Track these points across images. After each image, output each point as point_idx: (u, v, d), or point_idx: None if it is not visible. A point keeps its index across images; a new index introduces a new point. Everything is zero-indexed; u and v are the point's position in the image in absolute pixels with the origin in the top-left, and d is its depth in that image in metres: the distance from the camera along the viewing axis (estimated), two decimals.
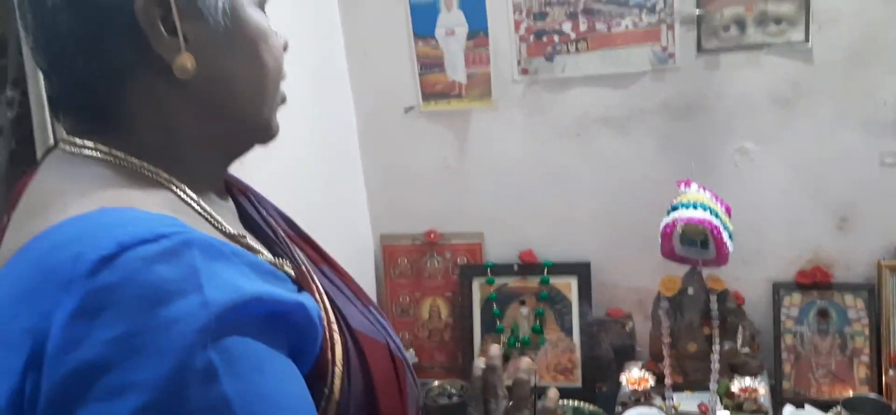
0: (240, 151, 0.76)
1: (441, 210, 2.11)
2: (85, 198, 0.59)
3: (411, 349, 2.14)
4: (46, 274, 0.53)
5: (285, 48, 0.75)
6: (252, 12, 0.69)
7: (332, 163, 2.01)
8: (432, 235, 2.11)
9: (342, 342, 0.70)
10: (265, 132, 0.75)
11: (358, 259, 2.12)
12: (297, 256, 0.75)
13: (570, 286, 2.00)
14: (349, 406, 0.68)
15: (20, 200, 0.67)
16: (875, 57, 1.70)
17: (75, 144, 0.66)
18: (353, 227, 2.12)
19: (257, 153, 0.78)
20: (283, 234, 0.79)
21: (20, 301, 0.53)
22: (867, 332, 1.80)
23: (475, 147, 2.04)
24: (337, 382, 0.67)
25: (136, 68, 0.65)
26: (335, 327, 0.70)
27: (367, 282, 2.15)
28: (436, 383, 2.02)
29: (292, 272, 0.68)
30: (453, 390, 2.01)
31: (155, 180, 0.65)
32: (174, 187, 0.66)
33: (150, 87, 0.65)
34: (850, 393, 1.76)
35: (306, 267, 0.74)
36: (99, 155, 0.65)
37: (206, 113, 0.69)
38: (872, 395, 1.68)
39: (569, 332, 1.99)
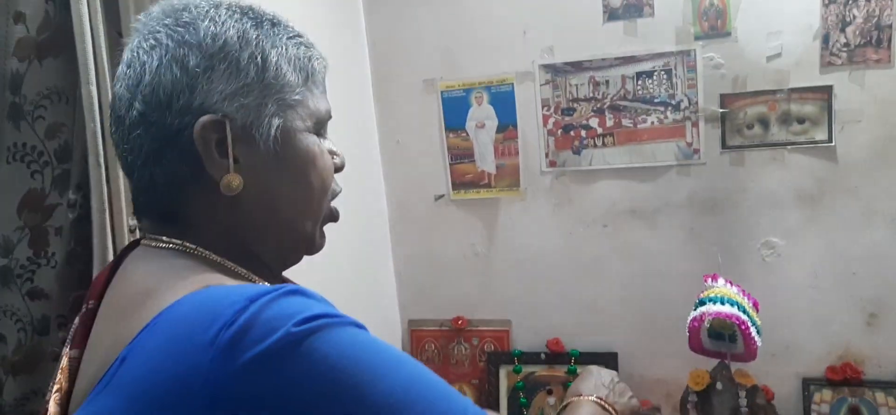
0: (288, 259, 0.81)
1: (469, 297, 2.14)
2: (186, 280, 0.67)
3: None
4: (186, 337, 0.60)
5: (341, 168, 0.82)
6: (303, 138, 0.76)
7: (363, 249, 2.06)
8: (460, 322, 2.14)
9: None
10: (309, 245, 0.81)
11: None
12: None
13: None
14: None
15: (108, 288, 0.74)
16: None
17: (158, 240, 0.73)
18: (382, 312, 2.16)
19: None
20: None
21: (165, 357, 0.60)
22: None
23: (504, 235, 2.08)
24: None
25: (193, 181, 0.72)
26: None
27: None
28: None
29: None
30: None
31: (232, 269, 0.73)
32: (243, 273, 0.73)
33: (207, 197, 0.73)
34: None
35: None
36: (178, 247, 0.72)
37: (254, 224, 0.75)
38: None
39: None
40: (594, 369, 1.21)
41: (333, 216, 0.83)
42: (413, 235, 2.17)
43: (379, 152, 2.14)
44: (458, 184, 2.08)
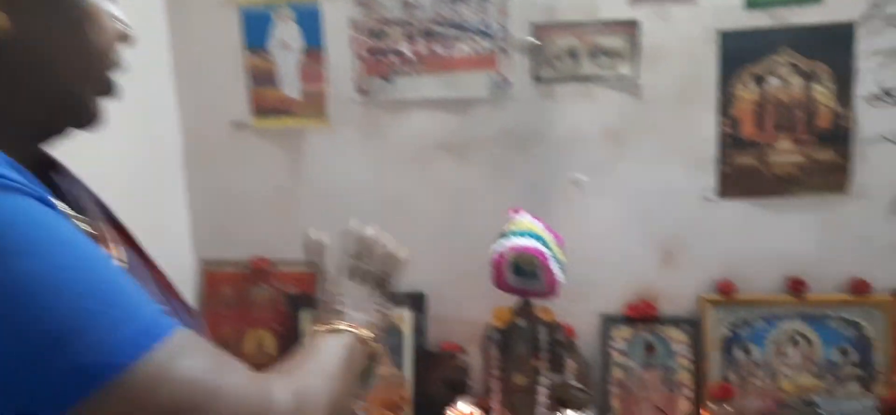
0: (53, 130, 0.73)
1: (271, 236, 1.98)
2: None
3: None
4: None
5: (124, 39, 0.75)
6: None
7: (150, 181, 1.83)
8: (260, 263, 1.97)
9: None
10: (83, 115, 0.73)
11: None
12: (99, 226, 0.73)
13: (403, 318, 1.92)
14: None
15: None
16: (697, 94, 1.76)
17: None
18: (169, 249, 1.94)
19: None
20: (92, 210, 0.76)
21: None
22: (690, 366, 1.82)
23: (310, 169, 1.94)
24: None
25: None
26: None
27: None
28: None
29: (93, 231, 0.69)
30: None
31: None
32: None
33: None
34: None
35: (106, 235, 0.73)
36: None
37: (17, 80, 0.67)
38: None
39: (401, 366, 1.90)
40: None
41: (111, 89, 0.75)
42: (209, 166, 1.97)
43: (171, 73, 1.92)
44: (260, 111, 1.91)
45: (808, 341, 1.79)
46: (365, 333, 0.91)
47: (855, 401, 1.78)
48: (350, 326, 0.90)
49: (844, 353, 1.78)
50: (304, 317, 1.94)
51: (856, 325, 1.78)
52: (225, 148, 1.94)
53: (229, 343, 1.98)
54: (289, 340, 1.93)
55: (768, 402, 1.81)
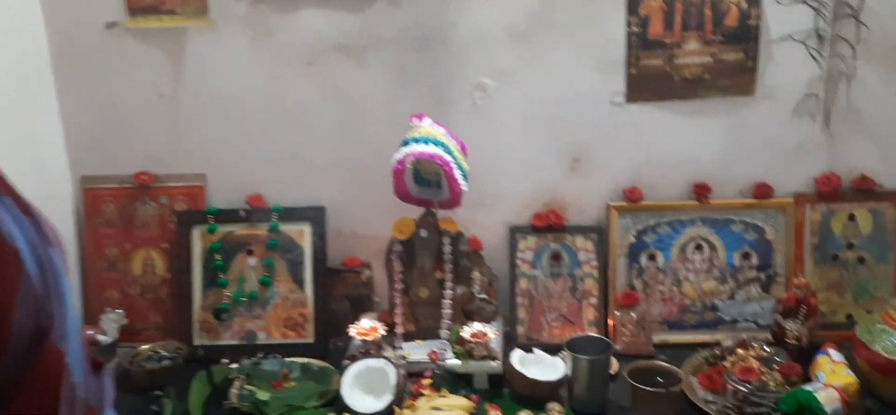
0: None
1: (155, 149, 1.83)
2: None
3: (120, 310, 1.83)
4: None
5: None
6: None
7: (17, 93, 1.64)
8: (145, 177, 1.82)
9: None
10: None
11: (50, 205, 1.77)
12: None
13: (302, 233, 1.82)
14: None
15: None
16: None
17: None
18: (45, 168, 1.77)
19: None
20: None
21: None
22: (596, 274, 1.80)
23: (194, 74, 1.78)
24: None
25: None
26: None
27: (64, 232, 1.81)
28: (144, 347, 1.76)
29: None
30: (165, 353, 1.76)
31: None
32: None
33: None
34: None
35: None
36: None
37: None
38: (594, 334, 1.68)
39: (301, 284, 1.81)
40: None
41: None
42: (83, 73, 1.78)
43: None
44: (135, 8, 1.73)
45: (712, 246, 1.79)
46: None
47: (755, 303, 1.79)
48: None
49: (746, 257, 1.79)
50: (197, 234, 1.82)
51: (758, 229, 1.78)
52: (98, 51, 1.76)
53: (116, 265, 1.85)
54: (180, 259, 1.81)
55: (671, 307, 1.80)
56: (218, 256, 1.80)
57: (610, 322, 1.78)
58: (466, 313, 1.72)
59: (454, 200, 1.62)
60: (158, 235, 1.85)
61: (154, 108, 1.80)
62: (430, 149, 1.53)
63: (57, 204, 1.80)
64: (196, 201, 1.84)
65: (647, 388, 1.46)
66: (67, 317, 0.69)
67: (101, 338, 1.77)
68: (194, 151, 1.83)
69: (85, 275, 1.85)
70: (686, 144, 1.77)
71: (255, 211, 1.82)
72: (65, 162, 1.83)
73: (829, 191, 1.75)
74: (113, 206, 1.84)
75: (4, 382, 0.59)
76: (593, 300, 1.80)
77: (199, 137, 1.82)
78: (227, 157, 1.83)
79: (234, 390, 1.56)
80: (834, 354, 1.56)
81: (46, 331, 0.64)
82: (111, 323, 1.81)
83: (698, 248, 1.79)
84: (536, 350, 1.64)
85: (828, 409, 1.41)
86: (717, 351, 1.64)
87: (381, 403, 1.50)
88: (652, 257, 1.80)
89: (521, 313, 1.81)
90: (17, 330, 0.59)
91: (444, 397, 1.53)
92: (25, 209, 0.70)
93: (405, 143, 1.56)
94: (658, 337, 1.78)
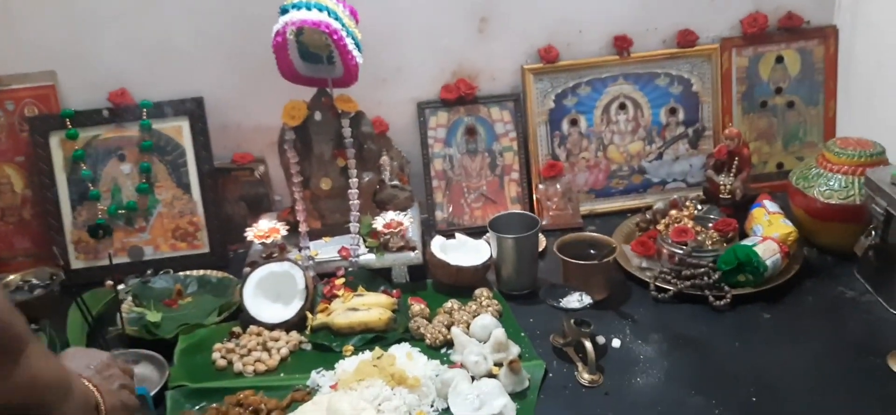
0: None
1: None
2: None
3: None
4: None
5: None
6: None
7: None
8: None
9: None
10: None
11: None
12: None
13: (180, 130, 1.58)
14: None
15: None
16: None
17: None
18: None
19: None
20: None
21: None
22: (516, 146, 1.65)
23: None
24: None
25: None
26: None
27: None
28: (12, 277, 1.52)
29: None
30: (38, 282, 1.52)
31: None
32: None
33: None
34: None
35: None
36: None
37: None
38: (519, 210, 1.54)
39: (187, 188, 1.59)
40: (85, 350, 1.01)
41: None
42: None
43: None
44: None
45: (636, 104, 1.66)
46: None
47: (684, 161, 1.69)
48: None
49: (672, 112, 1.67)
50: (55, 142, 1.55)
51: (683, 81, 1.65)
52: None
53: None
54: (39, 172, 1.55)
55: (597, 174, 1.68)
56: (84, 166, 1.55)
57: (534, 197, 1.65)
58: (378, 203, 1.55)
59: (349, 75, 1.41)
60: (10, 147, 1.58)
61: None
62: (314, 15, 1.31)
63: None
64: (48, 104, 1.57)
65: (579, 261, 1.34)
66: None
67: None
68: (39, 47, 1.54)
69: None
70: None
71: (120, 109, 1.57)
72: None
73: (756, 32, 1.64)
74: None
75: None
76: (515, 175, 1.66)
77: (43, 30, 1.53)
78: (79, 48, 1.55)
79: (120, 315, 1.35)
80: (769, 204, 1.48)
81: None
82: None
83: (622, 107, 1.66)
84: (458, 235, 1.49)
85: (768, 262, 1.33)
86: (648, 215, 1.54)
87: (291, 310, 1.33)
88: (574, 122, 1.66)
89: (439, 197, 1.65)
90: None
91: (361, 295, 1.37)
92: None
93: (283, 10, 1.34)
94: (585, 207, 1.66)
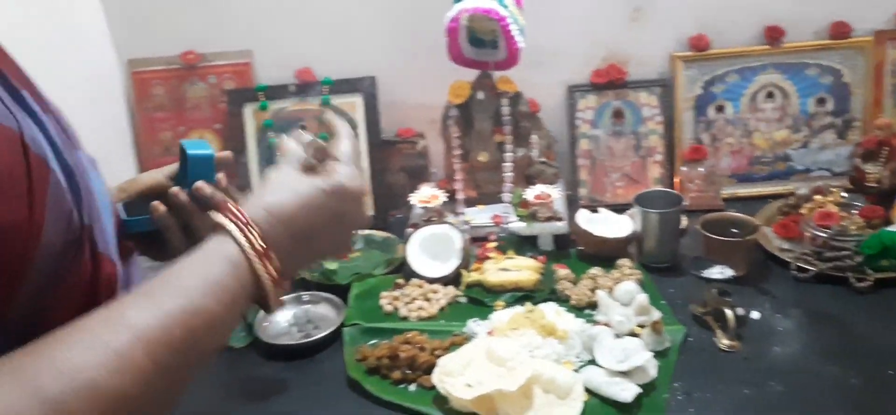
0: None
1: (200, 27, 1.78)
2: None
3: None
4: None
5: None
6: None
7: None
8: (191, 57, 1.78)
9: None
10: None
11: (101, 93, 1.76)
12: None
13: (354, 106, 1.77)
14: None
15: None
16: None
17: None
18: (92, 54, 1.74)
19: None
20: None
21: None
22: (661, 130, 1.73)
23: None
24: None
25: None
26: None
27: (117, 119, 1.80)
28: None
29: None
30: None
31: None
32: None
33: None
34: None
35: None
36: None
37: None
38: (664, 188, 1.62)
39: (357, 159, 1.77)
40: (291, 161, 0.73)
41: None
42: None
43: None
44: None
45: (784, 93, 1.70)
46: (253, 240, 0.61)
47: (830, 151, 1.71)
48: (241, 225, 0.61)
49: (821, 102, 1.69)
50: (248, 112, 1.79)
51: (834, 71, 1.68)
52: None
53: (171, 149, 1.84)
54: (234, 139, 1.79)
55: (741, 160, 1.73)
56: (271, 134, 1.78)
57: (676, 179, 1.72)
58: (527, 178, 1.67)
59: (511, 58, 1.55)
60: (210, 116, 1.83)
61: None
62: (486, 3, 1.45)
63: (107, 89, 1.78)
64: (244, 79, 1.80)
65: (722, 238, 1.41)
66: (104, 220, 0.64)
67: None
68: (239, 28, 1.77)
69: (140, 161, 1.85)
70: None
71: (305, 85, 1.78)
72: (110, 46, 1.79)
73: None
74: (162, 88, 1.82)
75: (43, 292, 0.55)
76: (658, 157, 1.74)
77: (242, 12, 1.76)
78: (273, 30, 1.77)
79: None
80: None
81: (84, 239, 0.59)
82: None
83: (770, 96, 1.70)
84: (602, 210, 1.59)
85: None
86: (791, 200, 1.58)
87: (448, 267, 1.48)
88: (720, 109, 1.72)
89: (583, 175, 1.76)
90: (50, 240, 0.54)
91: (510, 258, 1.50)
92: (45, 106, 0.63)
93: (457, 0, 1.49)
94: (727, 191, 1.72)
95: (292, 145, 0.74)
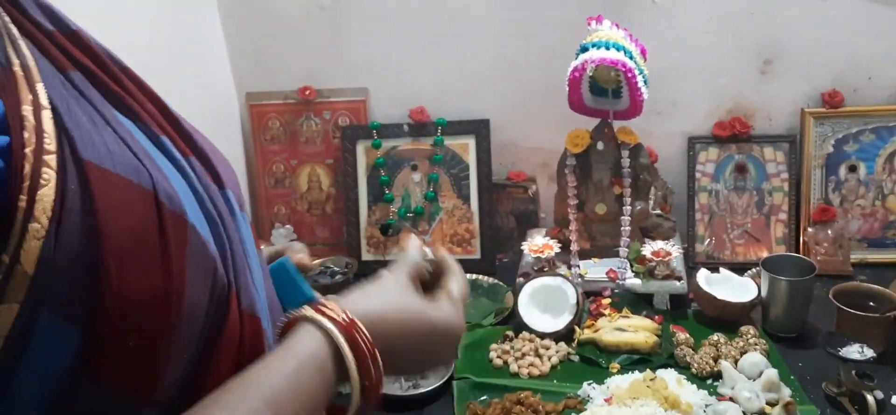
0: None
1: (317, 63, 1.80)
2: None
3: (289, 226, 1.87)
4: None
5: None
6: None
7: (177, 12, 1.64)
8: (308, 92, 1.81)
9: (59, 182, 0.44)
10: None
11: (220, 124, 1.80)
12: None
13: (467, 147, 1.76)
14: (56, 279, 0.43)
15: None
16: None
17: None
18: (213, 87, 1.79)
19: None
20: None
21: None
22: (787, 187, 1.65)
23: None
24: (32, 243, 0.42)
25: None
26: (48, 157, 0.44)
27: (234, 149, 1.84)
28: (317, 261, 1.78)
29: None
30: (337, 268, 1.77)
31: None
32: None
33: None
34: (765, 254, 1.63)
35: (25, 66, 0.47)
36: None
37: None
38: (792, 254, 1.54)
39: (466, 198, 1.77)
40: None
41: None
42: None
43: None
44: None
45: None
46: (337, 336, 0.57)
47: None
48: (331, 315, 0.58)
49: None
50: (361, 149, 1.80)
51: None
52: None
53: (283, 181, 1.87)
54: (346, 174, 1.80)
55: (872, 223, 1.63)
56: (383, 172, 1.78)
57: (802, 239, 1.64)
58: (642, 231, 1.62)
59: (635, 109, 1.50)
60: (323, 150, 1.85)
61: (314, 20, 1.76)
62: (613, 54, 1.41)
63: (226, 121, 1.82)
64: (358, 116, 1.81)
65: (857, 311, 1.32)
66: (251, 272, 0.60)
67: None
68: (355, 65, 1.79)
69: (253, 191, 1.89)
70: (895, 41, 1.56)
71: (418, 125, 1.78)
72: (230, 79, 1.84)
73: None
74: (278, 122, 1.85)
75: (193, 360, 0.52)
76: (783, 216, 1.65)
77: (359, 50, 1.78)
78: (389, 69, 1.78)
79: None
80: None
81: (231, 297, 0.55)
82: (281, 238, 1.85)
83: None
84: (722, 270, 1.53)
85: None
86: None
87: (561, 321, 1.44)
88: (852, 169, 1.62)
89: (701, 230, 1.69)
90: (193, 302, 0.50)
91: (626, 317, 1.45)
92: (189, 147, 0.60)
93: (583, 48, 1.45)
94: (856, 255, 1.62)
95: (412, 251, 0.71)
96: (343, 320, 0.57)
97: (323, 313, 0.57)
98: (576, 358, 1.40)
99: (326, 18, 1.75)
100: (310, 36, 1.78)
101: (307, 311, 0.58)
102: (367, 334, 0.57)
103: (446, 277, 0.71)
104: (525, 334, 1.45)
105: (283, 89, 1.82)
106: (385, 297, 0.64)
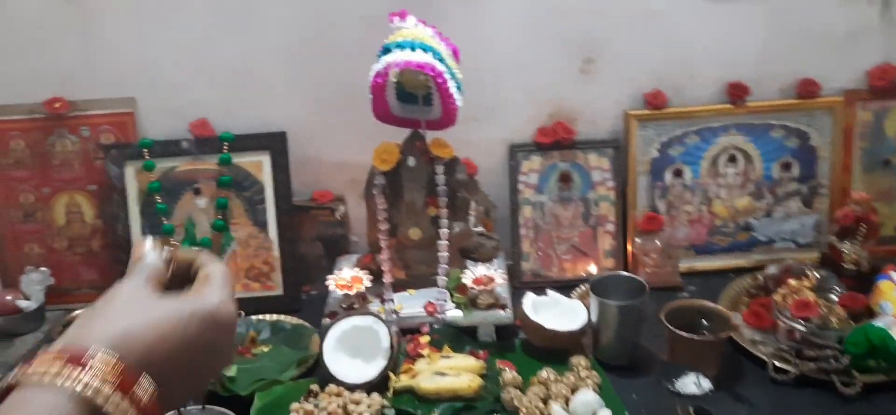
0: None
1: (69, 68, 1.48)
2: None
3: (44, 268, 1.52)
4: None
5: None
6: None
7: None
8: (58, 105, 1.47)
9: None
10: None
11: None
12: None
13: (260, 165, 1.50)
14: None
15: None
16: None
17: None
18: None
19: None
20: None
21: None
22: (613, 196, 1.53)
23: None
24: None
25: None
26: None
27: None
28: (79, 310, 1.46)
29: None
30: None
31: None
32: None
33: None
34: (593, 268, 1.51)
35: None
36: None
37: None
38: (625, 273, 1.41)
39: (263, 225, 1.51)
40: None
41: None
42: None
43: None
44: None
45: (747, 156, 1.53)
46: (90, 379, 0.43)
47: (794, 220, 1.55)
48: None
49: (786, 167, 1.53)
50: (130, 172, 1.48)
51: (801, 134, 1.52)
52: None
53: (34, 214, 1.52)
54: (113, 203, 1.49)
55: (699, 229, 1.56)
56: (159, 199, 1.48)
57: (629, 250, 1.53)
58: (463, 251, 1.44)
59: (448, 118, 1.31)
60: (83, 175, 1.52)
61: (62, 17, 1.43)
62: (419, 56, 1.21)
63: None
64: (125, 132, 1.50)
65: (691, 336, 1.21)
66: None
67: (22, 304, 1.47)
68: (118, 70, 1.48)
69: None
70: (718, 37, 1.49)
71: (200, 141, 1.49)
72: None
73: (885, 85, 1.49)
74: (22, 142, 1.50)
75: None
76: (610, 227, 1.54)
77: (122, 52, 1.47)
78: (160, 76, 1.48)
79: None
80: None
81: None
82: (34, 285, 1.51)
83: (732, 160, 1.53)
84: (550, 292, 1.38)
85: None
86: (759, 279, 1.41)
87: (374, 369, 1.23)
88: (678, 173, 1.53)
89: (526, 247, 1.54)
90: None
91: (447, 357, 1.26)
92: None
93: (385, 49, 1.24)
94: (685, 264, 1.53)
95: (149, 254, 0.58)
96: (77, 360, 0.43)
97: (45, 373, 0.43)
98: (391, 412, 1.19)
99: (76, 14, 1.43)
100: (56, 36, 1.45)
101: (22, 374, 0.43)
102: (119, 366, 0.44)
103: (197, 264, 0.58)
104: (332, 387, 1.22)
105: (26, 102, 1.47)
106: (119, 313, 0.50)
